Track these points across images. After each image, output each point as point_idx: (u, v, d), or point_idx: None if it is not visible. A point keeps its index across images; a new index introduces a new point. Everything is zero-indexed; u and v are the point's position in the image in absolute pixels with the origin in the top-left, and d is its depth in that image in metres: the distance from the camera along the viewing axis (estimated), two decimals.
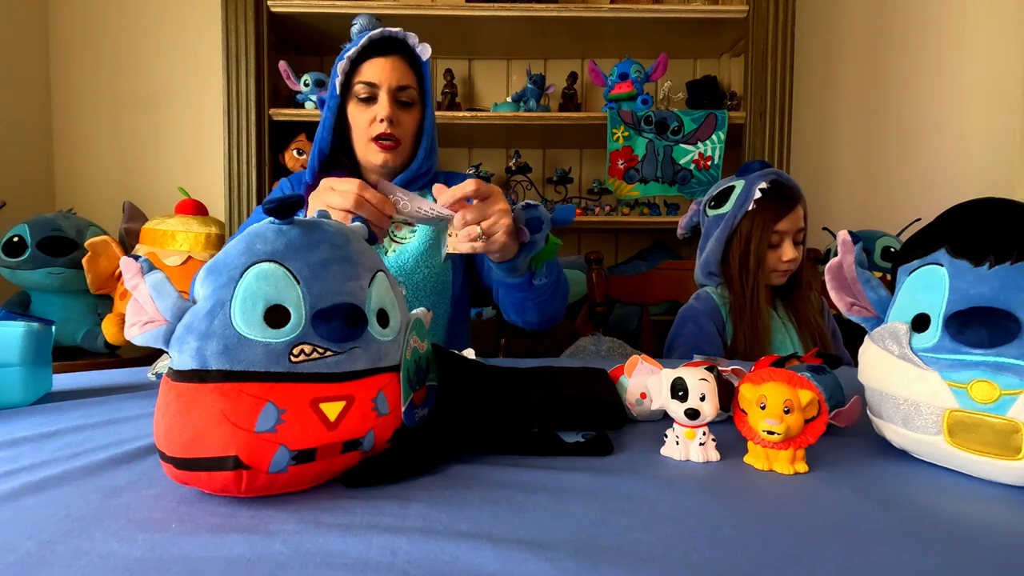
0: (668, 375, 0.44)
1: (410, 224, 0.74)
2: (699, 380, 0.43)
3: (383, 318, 0.39)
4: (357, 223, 0.45)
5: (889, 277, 1.14)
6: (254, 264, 0.35)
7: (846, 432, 0.51)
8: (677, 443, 0.44)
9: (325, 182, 0.73)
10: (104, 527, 0.30)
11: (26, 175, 1.81)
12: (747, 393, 0.43)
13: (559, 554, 0.28)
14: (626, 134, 1.67)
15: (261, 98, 1.65)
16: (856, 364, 0.49)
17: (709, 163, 1.69)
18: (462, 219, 0.70)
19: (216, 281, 0.35)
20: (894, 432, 0.44)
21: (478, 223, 0.70)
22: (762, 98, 1.68)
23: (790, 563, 0.28)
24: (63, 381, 0.66)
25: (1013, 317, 0.37)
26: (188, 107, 1.92)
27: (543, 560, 0.27)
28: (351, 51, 0.92)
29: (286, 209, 0.36)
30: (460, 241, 0.70)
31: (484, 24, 1.69)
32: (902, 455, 0.45)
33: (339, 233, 0.39)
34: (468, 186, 0.69)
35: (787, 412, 0.40)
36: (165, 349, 0.35)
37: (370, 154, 0.95)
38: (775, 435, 0.40)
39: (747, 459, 0.43)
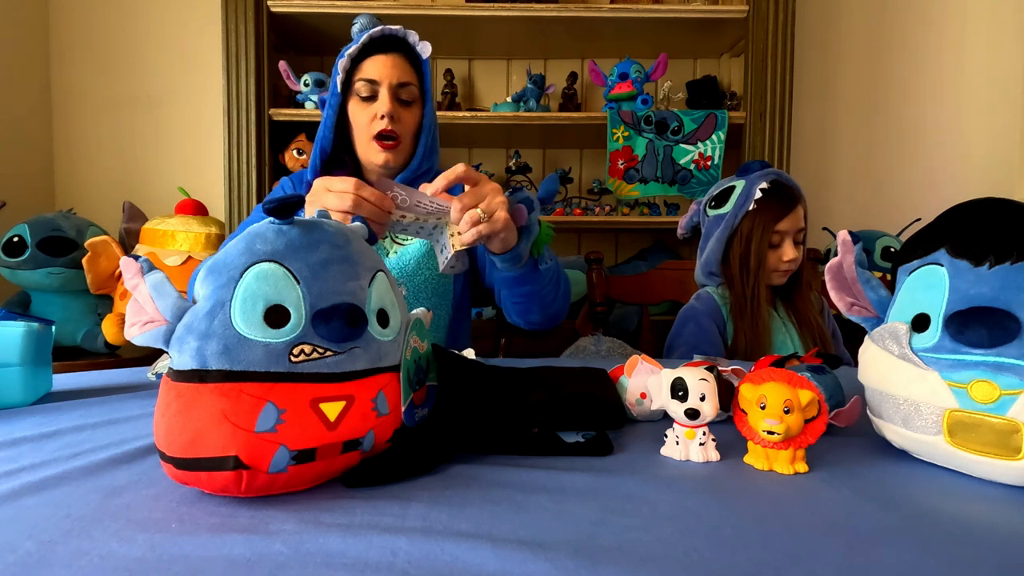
0: (668, 375, 0.44)
1: (412, 218, 0.72)
2: (699, 380, 0.43)
3: (383, 318, 0.39)
4: (357, 223, 0.45)
5: (889, 277, 1.14)
6: (254, 264, 0.35)
7: (846, 432, 0.51)
8: (677, 443, 0.44)
9: (319, 182, 0.72)
10: (104, 527, 0.30)
11: (26, 175, 1.81)
12: (747, 393, 0.43)
13: (559, 554, 0.28)
14: (626, 134, 1.67)
15: (261, 98, 1.65)
16: (856, 364, 0.49)
17: (709, 163, 1.69)
18: (459, 208, 0.69)
19: (216, 281, 0.35)
20: (894, 432, 0.44)
21: (476, 205, 0.70)
22: (762, 98, 1.68)
23: (790, 563, 0.28)
24: (63, 381, 0.66)
25: (1013, 317, 0.37)
26: (188, 107, 1.92)
27: (543, 560, 0.27)
28: (352, 49, 0.92)
29: (286, 209, 0.36)
30: (464, 232, 0.70)
31: (484, 24, 1.69)
32: (902, 455, 0.45)
33: (339, 233, 0.39)
34: (458, 169, 0.69)
35: (787, 412, 0.40)
36: (165, 349, 0.35)
37: (371, 153, 0.95)
38: (775, 435, 0.40)
39: (747, 459, 0.43)
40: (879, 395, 0.45)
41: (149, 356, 1.39)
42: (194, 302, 0.35)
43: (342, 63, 0.92)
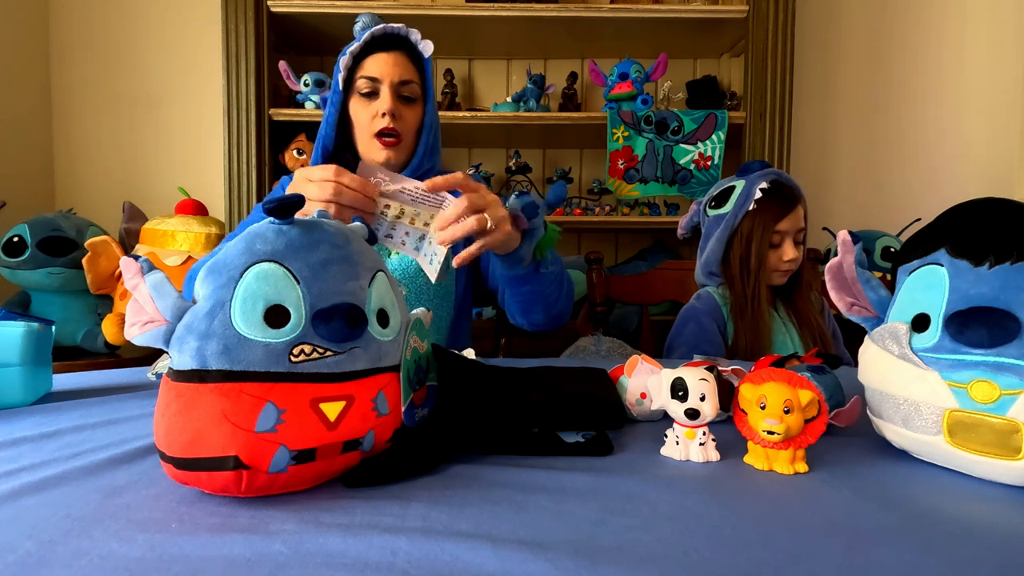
0: (668, 375, 0.44)
1: (396, 208, 0.71)
2: (699, 380, 0.43)
3: (383, 318, 0.39)
4: (357, 223, 0.45)
5: (889, 277, 1.14)
6: (254, 264, 0.35)
7: (846, 432, 0.51)
8: (677, 443, 0.44)
9: (300, 173, 0.71)
10: (104, 527, 0.30)
11: (26, 175, 1.81)
12: (747, 393, 0.43)
13: (559, 554, 0.28)
14: (626, 134, 1.67)
15: (261, 98, 1.65)
16: (856, 364, 0.49)
17: (709, 163, 1.69)
18: (467, 207, 0.68)
19: (216, 281, 0.35)
20: (894, 432, 0.44)
21: (483, 211, 0.69)
22: (762, 98, 1.68)
23: (790, 563, 0.28)
24: (63, 381, 0.66)
25: (1013, 317, 0.37)
26: (188, 107, 1.92)
27: (543, 560, 0.27)
28: (354, 47, 0.92)
29: (286, 209, 0.36)
30: (456, 227, 0.68)
31: (484, 24, 1.69)
32: (902, 455, 0.45)
33: (339, 233, 0.39)
34: (457, 176, 0.69)
35: (787, 412, 0.40)
36: (165, 349, 0.35)
37: (373, 151, 0.95)
38: (775, 435, 0.40)
39: (747, 459, 0.43)
40: (879, 395, 0.45)
41: (149, 356, 1.39)
42: (194, 302, 0.35)
43: (344, 61, 0.92)
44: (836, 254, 0.49)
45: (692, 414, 0.42)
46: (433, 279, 0.72)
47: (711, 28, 1.75)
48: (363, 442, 0.37)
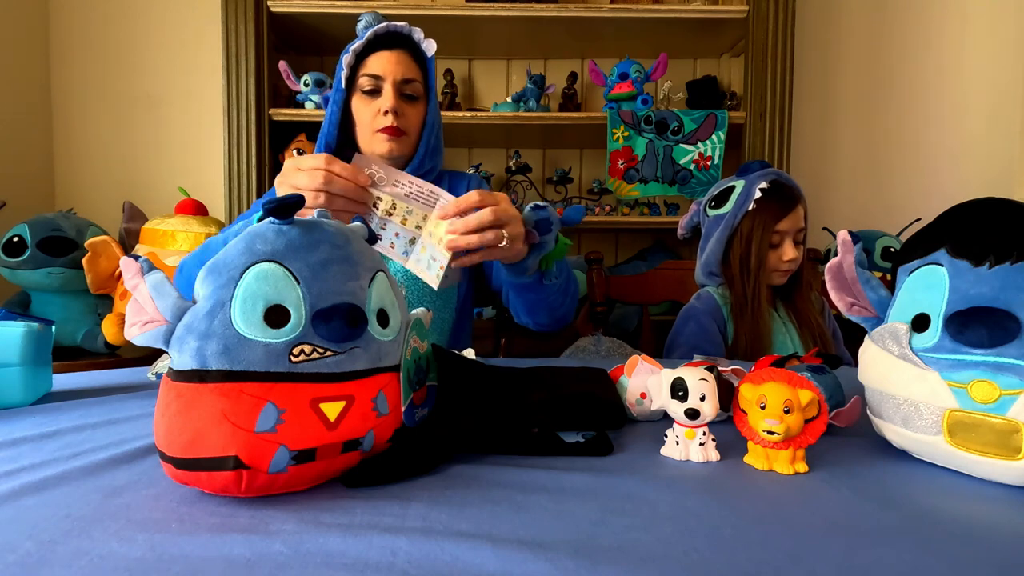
0: (668, 375, 0.44)
1: (388, 202, 0.68)
2: (699, 380, 0.43)
3: (383, 318, 0.39)
4: (357, 223, 0.44)
5: (889, 277, 1.14)
6: (254, 264, 0.35)
7: (846, 432, 0.51)
8: (677, 443, 0.44)
9: (290, 162, 0.69)
10: (104, 527, 0.30)
11: (26, 175, 1.81)
12: (747, 393, 0.43)
13: (559, 554, 0.28)
14: (626, 134, 1.67)
15: (261, 98, 1.65)
16: (856, 364, 0.49)
17: (709, 163, 1.69)
18: (492, 218, 0.66)
19: (216, 281, 0.35)
20: (894, 432, 0.44)
21: (502, 227, 0.67)
22: (762, 98, 1.68)
23: (790, 563, 0.28)
24: (63, 381, 0.66)
25: (1013, 317, 0.37)
26: (188, 107, 1.92)
27: (543, 560, 0.27)
28: (356, 44, 0.91)
29: (286, 209, 0.36)
30: (471, 238, 0.67)
31: (484, 24, 1.69)
32: (902, 455, 0.45)
33: (339, 233, 0.39)
34: (471, 197, 0.67)
35: (787, 412, 0.40)
36: (165, 349, 0.35)
37: (375, 145, 0.94)
38: (775, 435, 0.40)
39: (747, 459, 0.43)
40: (879, 395, 0.45)
41: (149, 356, 1.39)
42: (194, 302, 0.35)
43: (347, 59, 0.92)
44: (836, 254, 0.49)
45: (692, 414, 0.42)
46: (436, 285, 0.69)
47: (711, 28, 1.75)
48: (363, 442, 0.37)
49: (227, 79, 1.63)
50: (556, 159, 2.02)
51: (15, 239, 1.44)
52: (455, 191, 1.01)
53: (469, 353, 0.66)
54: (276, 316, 0.34)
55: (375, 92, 0.93)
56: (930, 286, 0.42)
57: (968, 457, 0.39)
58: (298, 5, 1.63)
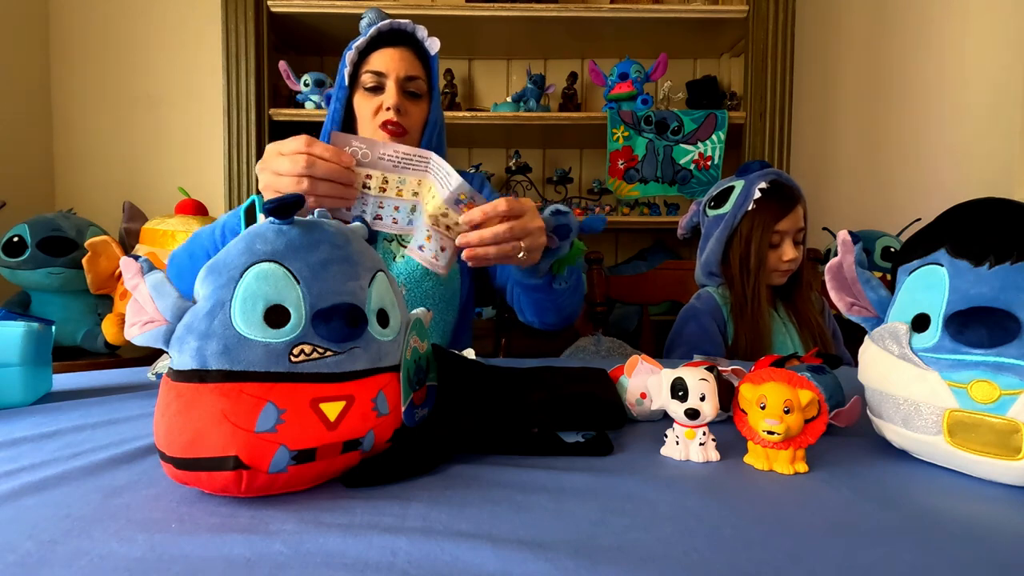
0: (668, 375, 0.44)
1: (379, 178, 0.64)
2: (699, 380, 0.43)
3: (383, 318, 0.39)
4: (357, 223, 0.45)
5: (889, 277, 1.14)
6: (254, 264, 0.35)
7: (846, 432, 0.51)
8: (677, 443, 0.44)
9: (271, 147, 0.67)
10: (104, 527, 0.30)
11: (26, 175, 1.81)
12: (747, 393, 0.43)
13: (559, 554, 0.28)
14: (626, 134, 1.67)
15: (261, 98, 1.65)
16: (856, 364, 0.49)
17: (709, 163, 1.69)
18: (507, 234, 0.65)
19: (216, 281, 0.35)
20: (894, 432, 0.44)
21: (520, 239, 0.66)
22: (762, 98, 1.68)
23: (790, 563, 0.28)
24: (63, 381, 0.66)
25: (1013, 317, 0.37)
26: (188, 107, 1.92)
27: (543, 560, 0.27)
28: (359, 41, 0.90)
29: (286, 209, 0.36)
30: (488, 250, 0.65)
31: (484, 24, 1.69)
32: (902, 455, 0.45)
33: (339, 233, 0.39)
34: (500, 205, 0.65)
35: (787, 412, 0.40)
36: (165, 349, 0.35)
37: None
38: (775, 435, 0.40)
39: (747, 459, 0.43)
40: (879, 395, 0.45)
41: (149, 356, 1.39)
42: (194, 302, 0.35)
43: (349, 56, 0.91)
44: (836, 254, 0.49)
45: (692, 414, 0.42)
46: (444, 272, 0.69)
47: (711, 28, 1.75)
48: (363, 442, 0.37)
49: (227, 79, 1.63)
50: (556, 159, 2.02)
51: (15, 239, 1.44)
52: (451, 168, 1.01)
53: (469, 353, 0.66)
54: (276, 316, 0.34)
55: (378, 89, 0.92)
56: (930, 286, 0.42)
57: (968, 457, 0.39)
58: (298, 5, 1.63)
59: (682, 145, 1.68)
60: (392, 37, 0.92)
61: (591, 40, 1.83)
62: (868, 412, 0.47)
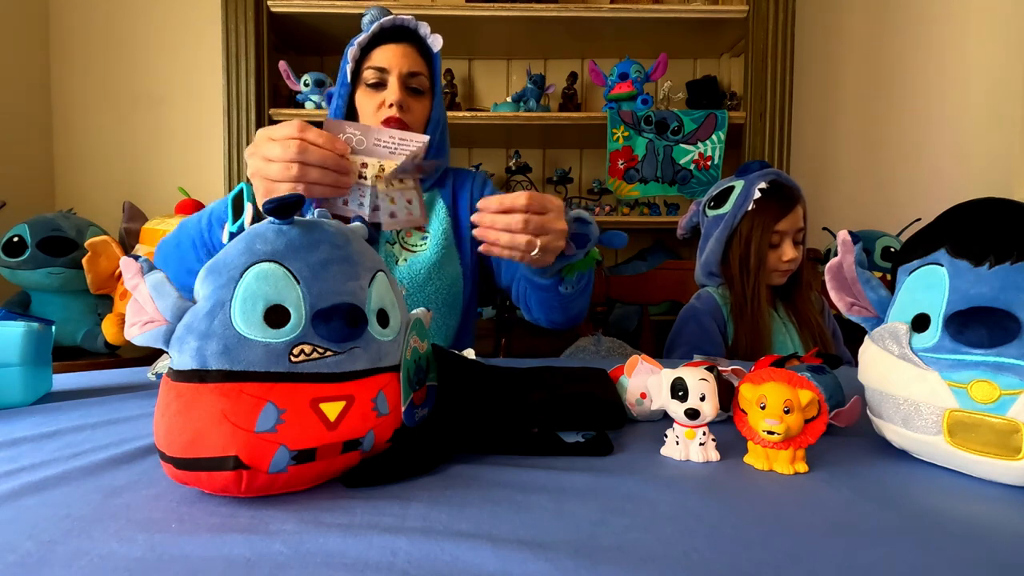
0: (668, 375, 0.44)
1: (375, 166, 0.62)
2: (699, 380, 0.43)
3: (383, 318, 0.39)
4: (357, 223, 0.44)
5: (889, 277, 1.14)
6: (254, 264, 0.35)
7: (846, 432, 0.51)
8: (677, 443, 0.44)
9: (261, 132, 0.64)
10: (104, 527, 0.30)
11: (26, 175, 1.81)
12: (747, 393, 0.43)
13: (559, 554, 0.28)
14: (626, 134, 1.67)
15: (261, 98, 1.66)
16: (856, 364, 0.49)
17: (709, 163, 1.69)
18: (520, 228, 0.64)
19: (216, 281, 0.35)
20: (894, 432, 0.44)
21: (537, 236, 0.65)
22: (762, 98, 1.68)
23: (790, 563, 0.28)
24: (63, 381, 0.66)
25: (1013, 317, 0.37)
26: (188, 107, 1.92)
27: (543, 560, 0.27)
28: (362, 38, 0.89)
29: (286, 209, 0.36)
30: (502, 249, 0.64)
31: (484, 24, 1.69)
32: (902, 455, 0.45)
33: (339, 233, 0.39)
34: (519, 199, 0.64)
35: (787, 412, 0.40)
36: (165, 349, 0.35)
37: None
38: (775, 435, 0.40)
39: (747, 459, 0.43)
40: (879, 395, 0.45)
41: (149, 356, 1.39)
42: (194, 302, 0.35)
43: (352, 52, 0.90)
44: (836, 254, 0.49)
45: (692, 414, 0.42)
46: (425, 221, 0.68)
47: (711, 28, 1.75)
48: (363, 442, 0.37)
49: (227, 79, 1.63)
50: (556, 159, 2.02)
51: (15, 239, 1.44)
52: (460, 189, 1.01)
53: (469, 353, 0.66)
54: (276, 316, 0.34)
55: (380, 85, 0.91)
56: (930, 286, 0.42)
57: (968, 457, 0.39)
58: (298, 5, 1.63)
59: (682, 145, 1.68)
60: (394, 33, 0.91)
61: (591, 40, 1.83)
62: (868, 412, 0.47)
